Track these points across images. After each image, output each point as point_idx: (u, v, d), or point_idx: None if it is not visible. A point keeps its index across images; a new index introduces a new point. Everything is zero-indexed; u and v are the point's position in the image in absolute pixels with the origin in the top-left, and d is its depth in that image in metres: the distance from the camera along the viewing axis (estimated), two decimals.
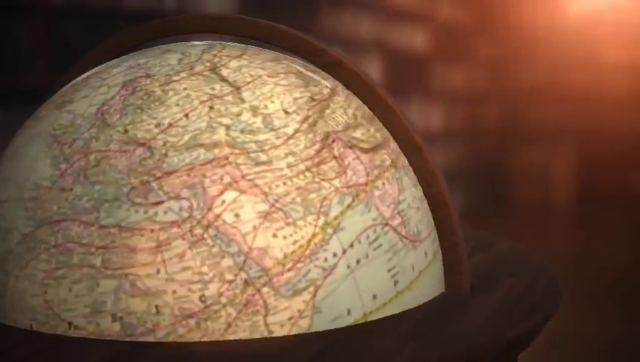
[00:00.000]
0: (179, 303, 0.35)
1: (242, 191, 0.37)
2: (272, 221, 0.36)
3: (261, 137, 0.38)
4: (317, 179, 0.38)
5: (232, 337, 0.35)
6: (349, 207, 0.38)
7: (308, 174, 0.38)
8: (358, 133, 0.40)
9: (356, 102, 0.42)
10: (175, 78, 0.40)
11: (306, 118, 0.39)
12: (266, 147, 0.38)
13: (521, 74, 3.55)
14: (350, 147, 0.39)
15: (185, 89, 0.39)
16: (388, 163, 0.40)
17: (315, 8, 2.41)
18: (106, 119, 0.39)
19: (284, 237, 0.36)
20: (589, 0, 2.13)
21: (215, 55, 0.41)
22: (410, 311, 0.38)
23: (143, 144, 0.38)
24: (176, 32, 0.45)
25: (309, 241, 0.37)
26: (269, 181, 0.37)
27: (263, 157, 0.37)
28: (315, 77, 0.42)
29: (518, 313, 0.37)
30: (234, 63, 0.41)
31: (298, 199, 0.37)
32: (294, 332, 0.36)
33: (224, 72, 0.40)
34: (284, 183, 0.37)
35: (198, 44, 0.43)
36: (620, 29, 2.15)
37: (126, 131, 0.38)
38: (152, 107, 0.39)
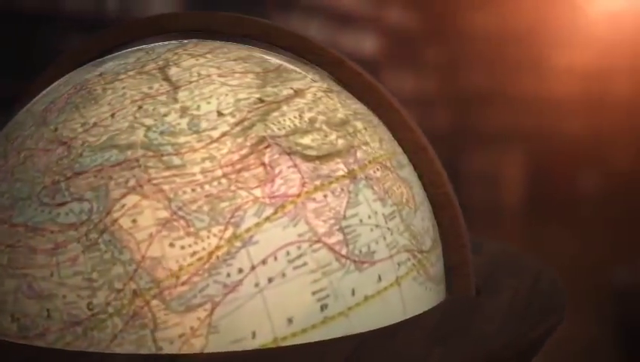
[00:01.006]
0: (68, 309, 0.34)
1: (145, 196, 0.35)
2: (170, 229, 0.34)
3: (181, 140, 0.36)
4: (233, 187, 0.35)
5: (117, 350, 0.33)
6: (267, 219, 0.35)
7: (223, 181, 0.35)
8: (306, 139, 0.37)
9: (339, 106, 0.39)
10: (121, 77, 0.39)
11: (241, 121, 0.37)
12: (183, 150, 0.35)
13: (471, 78, 3.60)
14: (289, 154, 0.36)
15: (124, 88, 0.38)
16: (340, 173, 0.37)
17: (262, 11, 2.39)
18: (46, 117, 0.38)
19: (182, 248, 0.34)
20: (539, 5, 2.18)
21: (176, 53, 0.40)
22: (422, 316, 0.37)
23: (64, 143, 0.36)
24: (166, 30, 0.44)
25: (211, 254, 0.34)
26: (176, 186, 0.35)
27: (176, 160, 0.35)
28: (291, 76, 0.39)
29: (534, 313, 0.37)
30: (189, 62, 0.39)
31: (205, 208, 0.34)
32: (185, 351, 0.33)
33: (172, 70, 0.38)
34: (193, 190, 0.35)
35: (172, 43, 0.41)
36: (570, 33, 2.19)
37: (55, 130, 0.37)
38: (86, 106, 0.38)
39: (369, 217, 0.37)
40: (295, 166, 0.36)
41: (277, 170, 0.35)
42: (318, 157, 0.36)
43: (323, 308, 0.34)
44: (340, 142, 0.38)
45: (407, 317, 0.36)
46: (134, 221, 0.34)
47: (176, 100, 0.37)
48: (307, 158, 0.36)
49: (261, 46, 0.43)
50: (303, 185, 0.36)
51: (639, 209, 2.05)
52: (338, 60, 0.42)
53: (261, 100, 0.37)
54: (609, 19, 2.18)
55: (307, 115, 0.38)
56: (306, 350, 0.33)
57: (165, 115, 0.36)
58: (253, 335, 0.33)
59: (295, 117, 0.37)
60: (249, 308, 0.33)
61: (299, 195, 0.35)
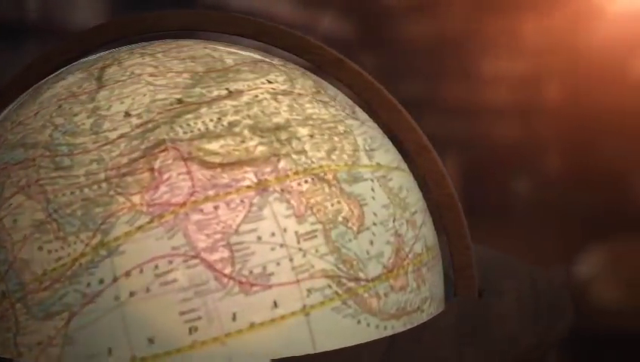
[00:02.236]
0: None
1: (29, 197, 0.33)
2: (43, 232, 0.33)
3: (78, 140, 0.34)
4: (112, 192, 0.33)
5: None
6: (140, 228, 0.32)
7: (104, 185, 0.33)
8: (213, 145, 0.34)
9: (284, 110, 0.36)
10: (66, 76, 0.38)
11: (146, 122, 0.35)
12: (76, 151, 0.34)
13: (406, 86, 3.65)
14: (186, 159, 0.34)
15: (61, 87, 0.37)
16: (245, 184, 0.34)
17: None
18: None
19: (49, 252, 0.33)
20: (471, 15, 2.22)
21: (133, 52, 0.39)
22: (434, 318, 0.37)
23: None
24: (156, 29, 0.42)
25: (75, 261, 0.32)
26: (58, 188, 0.33)
27: (66, 161, 0.34)
28: (238, 77, 0.37)
29: (547, 312, 0.37)
30: (132, 61, 0.38)
31: (79, 212, 0.33)
32: (42, 360, 0.32)
33: (110, 69, 0.37)
34: (72, 193, 0.33)
35: (143, 43, 0.40)
36: (501, 41, 2.25)
37: None
38: (24, 105, 0.37)
39: (272, 235, 0.33)
40: (188, 173, 0.33)
41: (165, 177, 0.33)
42: (222, 165, 0.34)
43: (192, 330, 0.32)
44: (260, 149, 0.35)
45: (317, 351, 0.33)
46: (15, 221, 0.33)
47: (93, 100, 0.36)
48: (207, 165, 0.34)
49: (254, 45, 0.42)
50: (192, 194, 0.33)
51: (570, 212, 2.11)
52: (337, 60, 0.41)
53: (180, 101, 0.35)
54: (540, 28, 2.24)
55: (228, 119, 0.35)
56: (343, 352, 0.32)
57: (76, 115, 0.35)
58: (109, 351, 0.31)
59: (211, 120, 0.35)
60: (106, 323, 0.31)
61: (183, 205, 0.33)
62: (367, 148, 0.37)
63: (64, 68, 0.41)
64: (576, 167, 2.38)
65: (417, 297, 0.36)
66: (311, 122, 0.37)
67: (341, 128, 0.37)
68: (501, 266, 0.46)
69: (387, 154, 0.38)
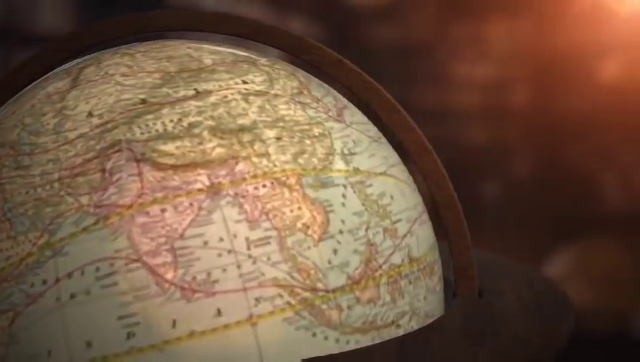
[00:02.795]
0: None
1: None
2: None
3: (41, 140, 0.34)
4: (62, 193, 0.33)
5: None
6: (85, 229, 0.32)
7: (56, 185, 0.33)
8: (169, 146, 0.33)
9: (253, 111, 0.35)
10: (49, 76, 0.38)
11: (105, 123, 0.34)
12: (37, 151, 0.34)
13: None
14: (139, 161, 0.33)
15: (41, 88, 0.37)
16: (197, 187, 0.33)
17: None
18: None
19: (0, 251, 0.33)
20: (440, 19, 2.24)
21: (117, 52, 0.38)
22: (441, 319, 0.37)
23: None
24: (151, 29, 0.42)
25: (22, 260, 0.32)
26: (15, 187, 0.33)
27: (26, 161, 0.34)
28: (211, 77, 0.36)
29: (550, 312, 0.37)
30: (110, 61, 0.37)
31: (31, 212, 0.33)
32: None
33: (88, 70, 0.37)
34: (27, 192, 0.33)
35: (133, 44, 0.40)
36: (470, 46, 2.26)
37: None
38: (7, 106, 0.37)
39: (220, 240, 0.32)
40: (139, 174, 0.33)
41: (115, 178, 0.32)
42: (174, 167, 0.33)
43: (130, 336, 0.31)
44: (218, 151, 0.34)
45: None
46: None
47: (62, 100, 0.35)
48: (159, 167, 0.33)
49: (247, 45, 0.41)
50: (139, 196, 0.32)
51: (538, 214, 2.13)
52: (337, 61, 0.41)
53: (144, 101, 0.35)
54: (508, 33, 2.27)
55: (189, 120, 0.34)
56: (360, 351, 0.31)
57: (44, 115, 0.35)
58: (49, 353, 0.31)
59: (171, 120, 0.34)
60: (46, 324, 0.31)
61: (130, 207, 0.32)
62: (346, 151, 0.36)
63: (55, 70, 0.41)
64: (544, 169, 2.41)
65: (392, 311, 0.34)
66: (281, 124, 0.36)
67: (317, 131, 0.36)
68: (496, 267, 0.46)
69: (371, 159, 0.37)
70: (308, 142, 0.36)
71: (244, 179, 0.33)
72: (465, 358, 0.30)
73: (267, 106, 0.36)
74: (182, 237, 0.31)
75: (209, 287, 0.31)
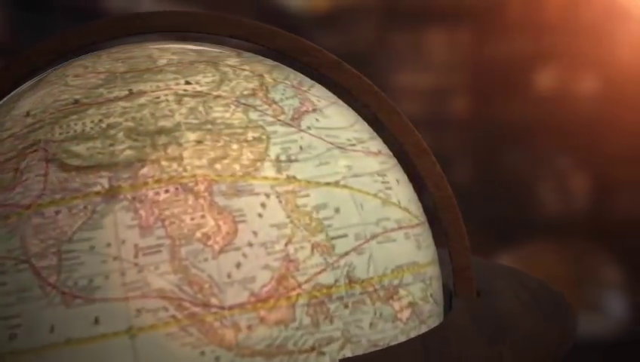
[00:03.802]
0: None
1: None
2: None
3: None
4: None
5: None
6: None
7: None
8: (81, 147, 0.33)
9: (180, 113, 0.34)
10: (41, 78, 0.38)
11: (34, 123, 0.34)
12: None
13: None
14: (49, 161, 0.33)
15: (19, 89, 0.37)
16: (95, 189, 0.32)
17: None
18: None
19: None
20: (378, 29, 2.27)
21: (90, 54, 0.38)
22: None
23: None
24: (145, 30, 0.41)
25: None
26: None
27: None
28: (153, 77, 0.36)
29: (553, 310, 0.38)
30: (77, 63, 0.37)
31: None
32: None
33: (55, 71, 0.37)
34: None
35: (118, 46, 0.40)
36: (410, 55, 2.30)
37: None
38: None
39: (107, 245, 0.31)
40: (45, 175, 0.32)
41: (24, 177, 0.32)
42: (79, 168, 0.32)
43: (12, 337, 0.30)
44: (127, 153, 0.32)
45: None
46: None
47: (18, 100, 0.35)
48: (65, 168, 0.32)
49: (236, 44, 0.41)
50: (40, 196, 0.32)
51: (478, 221, 2.17)
52: (335, 63, 0.41)
53: (76, 102, 0.34)
54: (447, 42, 2.31)
55: (110, 121, 0.34)
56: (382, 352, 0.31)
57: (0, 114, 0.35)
58: None
59: (92, 121, 0.34)
60: None
61: (28, 207, 0.31)
62: (284, 158, 0.34)
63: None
64: (483, 175, 2.45)
65: (312, 336, 0.32)
66: (209, 127, 0.34)
67: (252, 135, 0.34)
68: (482, 268, 0.46)
69: (320, 168, 0.35)
70: (235, 146, 0.34)
71: (146, 183, 0.32)
72: (489, 357, 0.30)
73: (200, 108, 0.35)
74: (70, 240, 0.31)
75: (89, 294, 0.30)
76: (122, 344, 0.30)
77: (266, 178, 0.33)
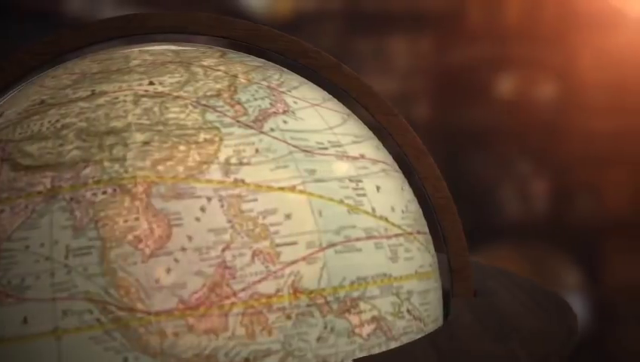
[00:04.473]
0: None
1: None
2: None
3: None
4: None
5: None
6: None
7: None
8: (34, 147, 0.33)
9: (134, 115, 0.34)
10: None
11: (2, 123, 0.35)
12: None
13: None
14: (5, 160, 0.33)
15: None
16: (38, 189, 0.32)
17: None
18: None
19: None
20: (341, 35, 2.28)
21: (82, 57, 0.38)
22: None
23: None
24: (141, 31, 0.40)
25: None
26: None
27: None
28: (119, 78, 0.35)
29: (553, 308, 0.38)
30: (61, 65, 0.38)
31: None
32: None
33: (50, 72, 0.37)
34: None
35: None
36: (369, 62, 2.31)
37: None
38: None
39: (41, 245, 0.31)
40: None
41: None
42: (28, 168, 0.32)
43: None
44: (73, 153, 0.32)
45: None
46: None
47: (1, 101, 0.36)
48: (16, 167, 0.32)
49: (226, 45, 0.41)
50: None
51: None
52: (334, 65, 0.41)
53: (42, 102, 0.35)
54: (409, 48, 2.33)
55: (65, 121, 0.34)
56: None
57: None
58: None
59: (50, 121, 0.34)
60: None
61: None
62: (235, 161, 0.33)
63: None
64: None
65: (246, 347, 0.31)
66: (160, 128, 0.33)
67: (204, 137, 0.34)
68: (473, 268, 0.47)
69: (275, 172, 0.33)
70: (183, 148, 0.33)
71: (86, 183, 0.32)
72: (503, 353, 0.31)
73: (155, 109, 0.34)
74: (9, 239, 0.31)
75: (20, 293, 0.30)
76: (48, 345, 0.30)
77: (210, 181, 0.32)
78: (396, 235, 0.35)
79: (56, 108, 0.34)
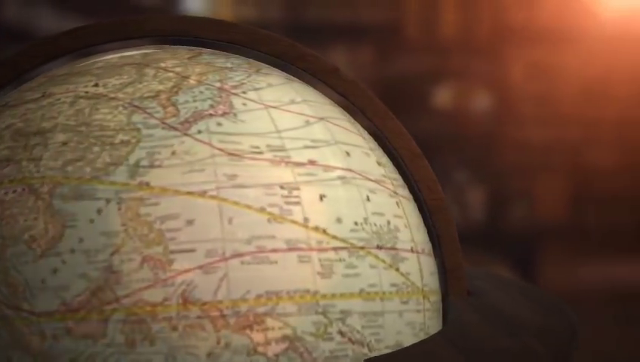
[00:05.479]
0: None
1: None
2: None
3: None
4: None
5: None
6: None
7: None
8: None
9: (67, 116, 0.34)
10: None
11: None
12: None
13: None
14: None
15: None
16: None
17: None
18: None
19: None
20: (316, 43, 2.28)
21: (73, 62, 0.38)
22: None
23: None
24: (140, 34, 0.40)
25: None
26: None
27: None
28: (75, 80, 0.35)
29: (549, 306, 0.39)
30: (53, 70, 0.38)
31: None
32: None
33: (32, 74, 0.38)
34: None
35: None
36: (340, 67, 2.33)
37: None
38: None
39: None
40: None
41: None
42: None
43: None
44: (3, 153, 0.33)
45: None
46: None
47: None
48: None
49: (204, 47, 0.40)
50: None
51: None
52: (332, 69, 0.41)
53: (6, 104, 0.35)
54: (349, 61, 2.35)
55: (9, 121, 0.34)
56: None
57: None
58: None
59: (3, 121, 0.34)
60: None
61: None
62: (145, 163, 0.32)
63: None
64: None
65: (125, 356, 0.30)
66: (82, 128, 0.33)
67: (121, 138, 0.33)
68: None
69: (188, 175, 0.32)
70: (96, 149, 0.32)
71: (2, 182, 0.32)
72: (520, 348, 0.31)
73: (86, 110, 0.34)
74: None
75: None
76: None
77: (113, 183, 0.32)
78: (335, 249, 0.32)
79: (8, 110, 0.34)
